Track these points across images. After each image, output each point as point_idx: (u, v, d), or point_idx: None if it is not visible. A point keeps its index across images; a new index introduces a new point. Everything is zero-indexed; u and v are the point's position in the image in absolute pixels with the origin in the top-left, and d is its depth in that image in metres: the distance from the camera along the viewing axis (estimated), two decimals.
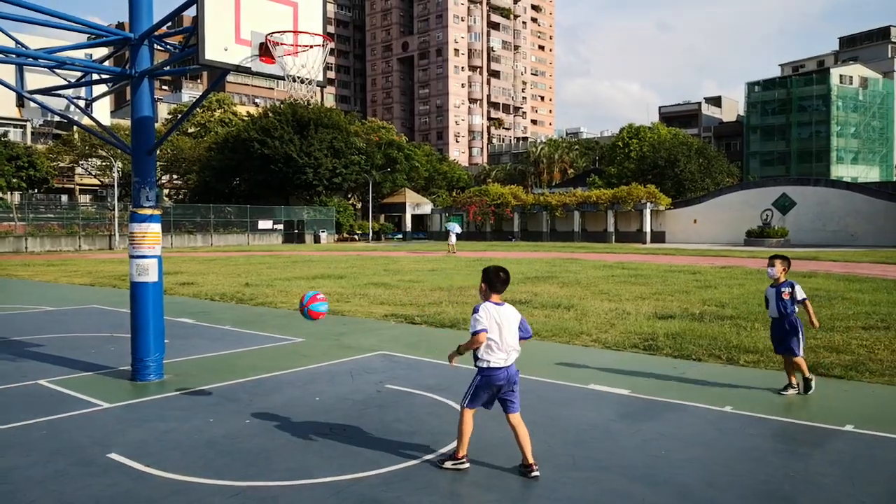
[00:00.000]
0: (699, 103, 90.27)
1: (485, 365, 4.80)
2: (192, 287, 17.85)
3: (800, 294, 6.94)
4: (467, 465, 4.92)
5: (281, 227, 56.07)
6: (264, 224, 55.30)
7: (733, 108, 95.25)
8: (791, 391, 6.96)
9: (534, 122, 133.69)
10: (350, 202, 66.95)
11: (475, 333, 4.73)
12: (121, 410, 6.50)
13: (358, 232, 62.32)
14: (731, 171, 63.41)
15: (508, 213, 56.51)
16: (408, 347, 9.55)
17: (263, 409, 6.49)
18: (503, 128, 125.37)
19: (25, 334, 10.72)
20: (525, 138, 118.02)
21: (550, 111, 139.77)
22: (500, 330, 4.76)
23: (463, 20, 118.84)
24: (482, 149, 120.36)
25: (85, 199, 70.75)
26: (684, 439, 5.59)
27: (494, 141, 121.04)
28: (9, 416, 6.22)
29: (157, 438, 5.62)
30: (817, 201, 44.58)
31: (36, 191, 54.91)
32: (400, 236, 63.10)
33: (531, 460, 4.84)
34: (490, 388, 4.84)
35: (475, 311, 4.78)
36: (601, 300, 14.27)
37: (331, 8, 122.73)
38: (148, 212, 7.65)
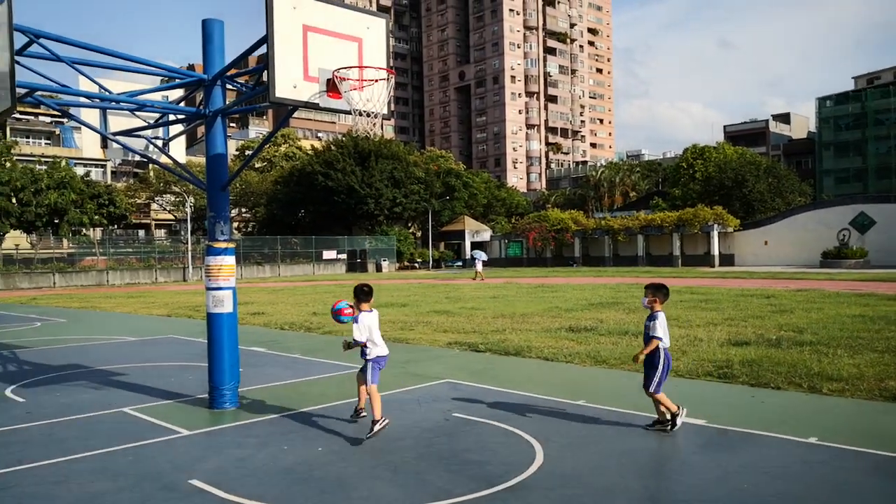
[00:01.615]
0: (766, 121, 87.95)
1: (374, 356, 6.69)
2: (263, 317, 18.30)
3: (653, 330, 6.43)
4: (388, 420, 6.64)
5: (344, 256, 56.97)
6: (328, 254, 56.31)
7: (803, 124, 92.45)
8: (667, 425, 6.49)
9: (593, 145, 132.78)
10: (410, 231, 67.55)
11: (357, 343, 6.62)
12: (200, 437, 6.70)
13: (418, 260, 62.74)
14: (804, 190, 61.31)
15: (569, 239, 55.95)
16: (473, 375, 9.54)
17: (335, 436, 6.59)
18: (562, 152, 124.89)
19: (110, 364, 11.18)
20: (584, 162, 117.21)
21: (610, 134, 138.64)
22: (373, 331, 6.65)
23: (519, 47, 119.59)
24: (541, 174, 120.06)
25: (160, 233, 73.59)
26: (769, 472, 5.39)
27: (553, 166, 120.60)
28: (98, 442, 6.51)
29: (234, 465, 5.76)
30: None
31: (115, 227, 57.40)
32: (460, 263, 63.19)
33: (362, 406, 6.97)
34: (380, 368, 6.81)
35: (356, 320, 6.60)
36: (670, 327, 13.91)
37: None
38: (223, 245, 7.91)
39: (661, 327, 6.45)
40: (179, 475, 5.52)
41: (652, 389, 6.48)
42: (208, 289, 7.95)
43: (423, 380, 9.27)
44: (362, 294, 6.72)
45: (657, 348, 6.46)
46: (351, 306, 6.70)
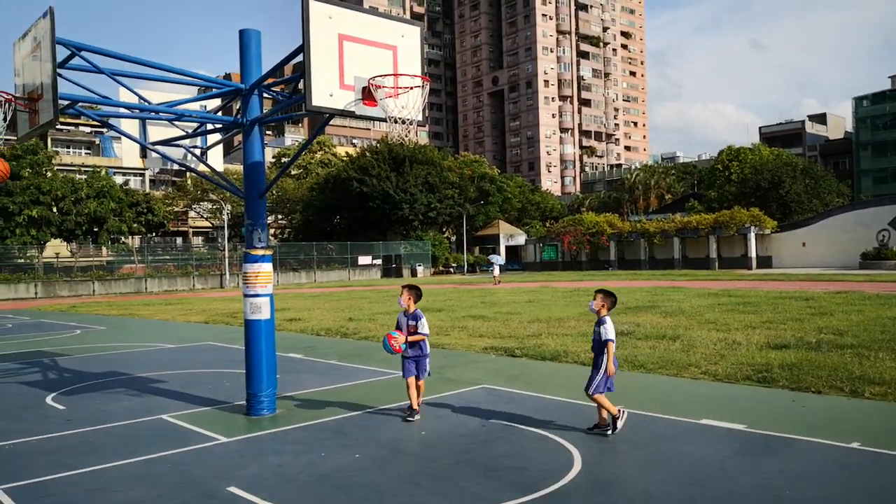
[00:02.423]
0: (802, 121, 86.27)
1: (428, 352, 7.51)
2: (299, 323, 18.47)
3: (604, 334, 6.49)
4: (419, 415, 7.43)
5: (379, 261, 57.26)
6: (364, 259, 56.64)
7: (840, 125, 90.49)
8: (607, 430, 6.61)
9: (627, 148, 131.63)
10: (445, 235, 67.67)
11: (426, 335, 7.39)
12: (237, 444, 6.77)
13: (453, 265, 62.80)
14: (841, 191, 60.03)
15: (604, 242, 55.49)
16: (509, 381, 9.50)
17: (372, 443, 6.60)
18: (596, 156, 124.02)
19: (149, 371, 11.39)
20: (619, 165, 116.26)
21: (644, 137, 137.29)
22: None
23: (552, 51, 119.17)
24: (575, 178, 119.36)
25: (197, 240, 74.85)
26: (809, 478, 5.28)
27: (587, 169, 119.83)
28: (138, 449, 6.61)
29: (272, 472, 5.81)
30: None
31: (154, 234, 58.53)
32: None
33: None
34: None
35: (421, 317, 7.39)
36: (708, 330, 13.75)
37: None
38: (260, 252, 8.00)
39: (612, 330, 6.56)
40: (218, 482, 5.58)
41: (591, 391, 6.53)
42: (246, 295, 8.04)
43: (460, 385, 9.26)
44: (419, 296, 7.54)
45: (607, 350, 6.53)
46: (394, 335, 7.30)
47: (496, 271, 38.64)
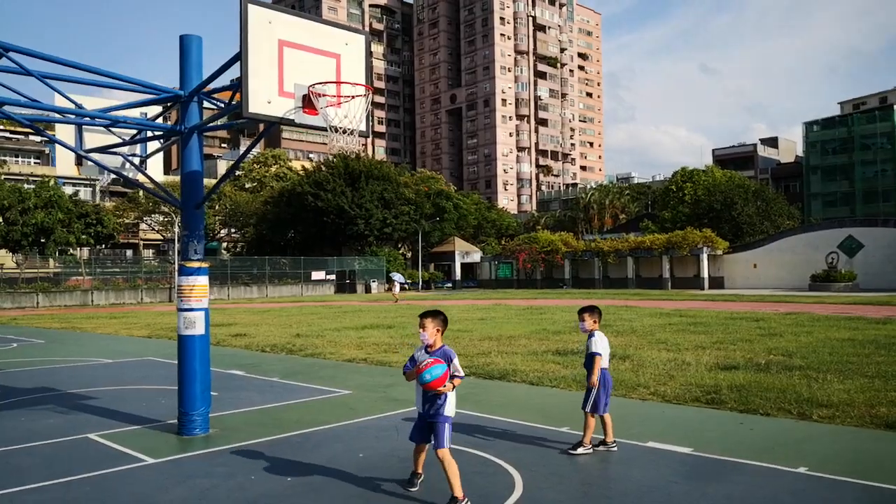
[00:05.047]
0: (755, 145, 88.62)
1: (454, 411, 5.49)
2: (245, 338, 17.95)
3: (591, 347, 6.45)
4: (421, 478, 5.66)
5: (333, 277, 56.59)
6: (317, 275, 55.89)
7: (791, 149, 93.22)
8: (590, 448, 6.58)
9: (583, 168, 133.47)
10: (400, 252, 67.31)
11: (458, 379, 5.36)
12: (165, 466, 6.39)
13: (408, 281, 62.46)
14: (792, 214, 61.67)
15: (559, 261, 55.87)
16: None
17: (307, 465, 6.30)
18: (552, 175, 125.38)
19: (81, 387, 10.83)
20: (574, 185, 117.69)
21: (600, 157, 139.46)
22: None
23: (510, 71, 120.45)
24: (531, 196, 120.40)
25: (148, 253, 73.05)
26: (755, 503, 5.16)
27: (543, 188, 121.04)
28: (56, 470, 6.19)
29: (199, 496, 5.47)
30: (888, 243, 42.52)
31: (103, 246, 56.89)
32: (449, 285, 62.93)
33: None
34: None
35: (454, 357, 5.33)
36: (658, 350, 13.74)
37: (381, 64, 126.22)
38: (196, 265, 7.65)
39: (600, 344, 6.48)
40: None
41: (588, 409, 6.47)
42: (180, 310, 7.67)
43: (405, 405, 8.98)
44: (445, 325, 5.56)
45: (594, 363, 6.46)
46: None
47: (396, 289, 41.06)
